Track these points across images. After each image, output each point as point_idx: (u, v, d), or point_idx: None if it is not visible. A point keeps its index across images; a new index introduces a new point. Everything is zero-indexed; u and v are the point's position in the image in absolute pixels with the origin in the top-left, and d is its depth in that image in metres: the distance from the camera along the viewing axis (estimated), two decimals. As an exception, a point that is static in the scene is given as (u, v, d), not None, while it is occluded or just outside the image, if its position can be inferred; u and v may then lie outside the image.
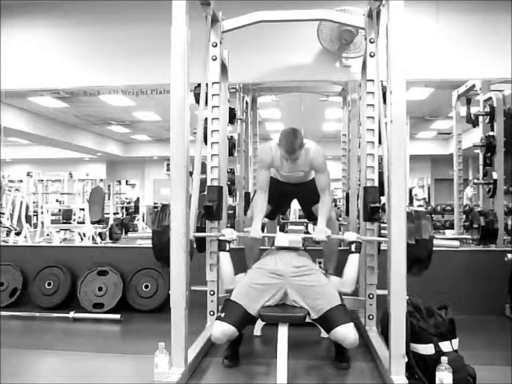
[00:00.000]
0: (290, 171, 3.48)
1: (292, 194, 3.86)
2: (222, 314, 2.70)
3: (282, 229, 5.99)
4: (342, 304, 2.76)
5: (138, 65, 4.28)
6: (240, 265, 3.25)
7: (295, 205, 4.81)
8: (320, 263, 3.62)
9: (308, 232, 4.12)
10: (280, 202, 3.84)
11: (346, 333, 2.59)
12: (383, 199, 3.05)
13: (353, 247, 2.96)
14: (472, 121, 5.38)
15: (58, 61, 4.41)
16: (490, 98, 4.85)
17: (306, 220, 5.63)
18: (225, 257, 3.04)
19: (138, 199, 12.58)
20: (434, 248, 2.98)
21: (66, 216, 10.09)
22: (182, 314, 2.63)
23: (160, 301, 4.21)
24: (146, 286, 4.29)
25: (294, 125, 3.46)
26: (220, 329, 2.64)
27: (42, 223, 9.00)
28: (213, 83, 3.37)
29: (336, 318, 2.65)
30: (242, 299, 2.75)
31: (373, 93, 3.30)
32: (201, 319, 3.38)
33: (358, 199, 3.96)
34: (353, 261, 2.94)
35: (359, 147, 3.91)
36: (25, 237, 8.04)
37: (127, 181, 13.43)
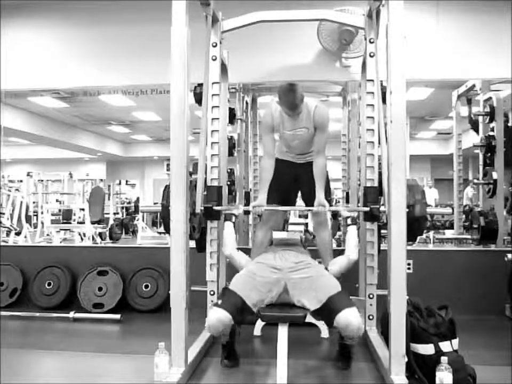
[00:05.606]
0: (292, 128, 3.40)
1: (296, 181, 3.64)
2: (219, 302, 2.65)
3: (282, 229, 5.99)
4: (343, 290, 2.67)
5: (138, 65, 4.28)
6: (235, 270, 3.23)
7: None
8: (320, 262, 3.60)
9: (307, 231, 4.15)
10: (286, 193, 3.65)
11: (349, 316, 2.47)
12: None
13: (349, 220, 3.15)
14: (473, 122, 5.37)
15: (58, 61, 4.41)
16: (490, 98, 4.85)
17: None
18: (229, 225, 3.20)
19: (138, 199, 12.57)
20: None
21: (66, 216, 10.09)
22: (182, 314, 2.63)
23: (160, 301, 4.21)
24: (146, 286, 4.29)
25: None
26: (215, 316, 2.55)
27: (42, 223, 9.00)
28: (213, 83, 3.37)
29: (338, 303, 2.55)
30: (240, 289, 2.70)
31: (372, 93, 3.30)
32: (201, 319, 3.36)
33: (358, 199, 3.95)
34: (351, 232, 3.11)
35: (359, 147, 3.91)
36: (25, 237, 8.04)
37: (127, 181, 13.39)
